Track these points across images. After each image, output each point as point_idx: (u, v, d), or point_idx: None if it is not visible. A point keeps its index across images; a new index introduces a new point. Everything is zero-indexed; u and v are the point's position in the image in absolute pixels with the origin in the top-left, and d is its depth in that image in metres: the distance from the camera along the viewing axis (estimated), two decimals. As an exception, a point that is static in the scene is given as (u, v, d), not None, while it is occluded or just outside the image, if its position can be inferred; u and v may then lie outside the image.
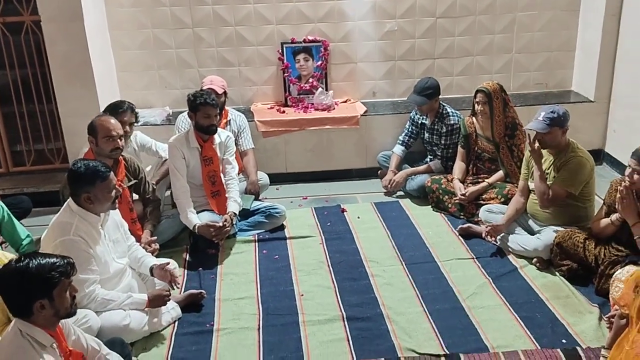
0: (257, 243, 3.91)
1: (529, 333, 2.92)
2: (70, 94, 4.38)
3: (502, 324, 3.00)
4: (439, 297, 3.25)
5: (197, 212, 3.80)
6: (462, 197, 4.09)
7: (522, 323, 3.00)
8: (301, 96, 5.09)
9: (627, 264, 2.92)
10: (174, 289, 3.15)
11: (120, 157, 3.53)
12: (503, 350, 2.80)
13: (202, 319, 3.14)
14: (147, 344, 2.94)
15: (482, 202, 4.06)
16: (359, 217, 4.21)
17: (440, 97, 4.47)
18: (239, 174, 4.11)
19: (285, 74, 5.05)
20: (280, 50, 5.01)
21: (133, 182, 3.65)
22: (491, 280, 3.38)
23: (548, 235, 3.47)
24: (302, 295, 3.31)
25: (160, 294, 2.99)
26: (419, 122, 4.62)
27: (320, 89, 5.02)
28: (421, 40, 5.08)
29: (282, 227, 4.07)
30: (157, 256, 3.33)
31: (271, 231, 4.03)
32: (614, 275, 2.81)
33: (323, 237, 3.95)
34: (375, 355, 2.80)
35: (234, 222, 3.86)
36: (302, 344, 2.90)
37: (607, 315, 2.79)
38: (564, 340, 2.85)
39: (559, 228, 3.47)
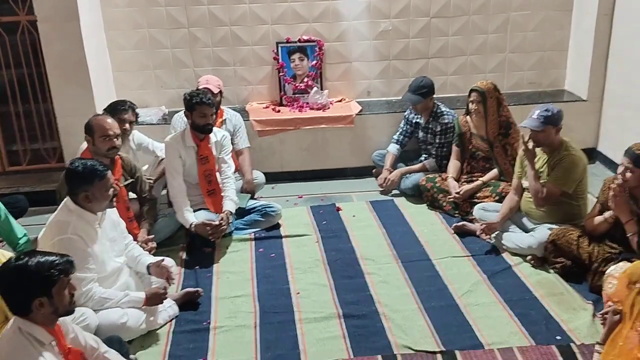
0: (253, 241, 3.92)
1: (523, 330, 2.95)
2: (66, 93, 4.39)
3: (497, 321, 3.03)
4: (434, 294, 3.28)
5: (194, 211, 3.81)
6: (457, 195, 4.12)
7: (516, 320, 3.03)
8: (296, 95, 5.11)
9: (620, 260, 2.96)
10: (170, 285, 3.17)
11: (117, 156, 3.54)
12: (498, 347, 2.82)
13: (199, 317, 3.15)
14: (144, 342, 2.95)
15: (476, 200, 4.09)
16: (354, 216, 4.23)
17: (434, 96, 4.50)
18: (234, 172, 4.13)
19: (281, 74, 5.06)
20: (275, 50, 5.02)
21: (130, 181, 3.66)
22: (486, 278, 3.41)
23: (542, 233, 3.51)
24: (299, 293, 3.33)
25: (157, 292, 3.01)
26: (414, 121, 4.65)
27: (315, 89, 5.04)
28: (415, 39, 5.11)
29: (277, 226, 4.09)
30: (154, 255, 3.33)
31: (267, 230, 4.05)
32: (607, 272, 2.84)
33: (319, 235, 3.97)
34: (371, 352, 2.82)
35: (230, 221, 3.87)
36: (298, 342, 2.92)
37: (600, 312, 2.82)
38: (558, 337, 2.88)
39: (553, 226, 3.50)
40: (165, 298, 3.05)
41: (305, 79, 5.07)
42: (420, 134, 4.61)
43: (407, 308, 3.16)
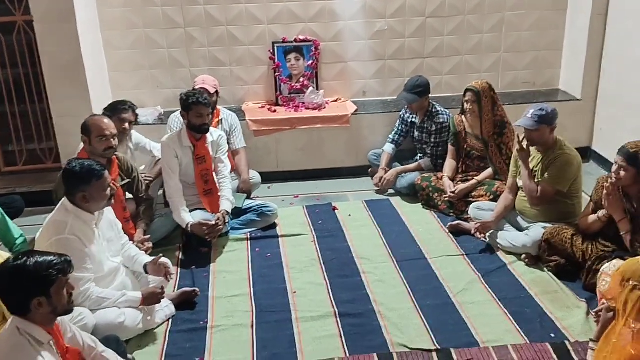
0: (249, 241, 3.93)
1: (518, 328, 2.97)
2: (62, 93, 4.38)
3: (492, 319, 3.05)
4: (429, 293, 3.29)
5: (190, 211, 3.82)
6: (452, 194, 4.14)
7: (511, 318, 3.05)
8: (292, 95, 5.12)
9: (614, 259, 2.98)
10: (168, 281, 3.18)
11: (114, 156, 3.54)
12: (493, 344, 2.84)
13: (195, 316, 3.16)
14: (141, 341, 2.96)
15: (471, 199, 4.11)
16: (350, 215, 4.25)
17: (429, 95, 4.52)
18: (230, 172, 4.13)
19: (277, 74, 5.07)
20: (271, 50, 5.03)
21: (126, 181, 3.67)
22: (481, 277, 3.43)
23: (536, 231, 3.53)
24: (295, 292, 3.34)
25: (154, 292, 3.01)
26: (409, 120, 4.67)
27: (311, 88, 5.05)
28: (411, 39, 5.13)
29: (274, 226, 4.10)
30: (150, 255, 3.34)
31: (263, 229, 4.06)
32: (601, 270, 2.86)
33: (315, 235, 3.98)
34: (367, 350, 2.84)
35: (227, 221, 3.88)
36: (295, 341, 2.93)
37: (594, 310, 2.84)
38: (552, 335, 2.91)
39: (547, 225, 3.53)
40: (163, 298, 3.06)
41: (301, 79, 5.09)
42: (416, 133, 4.63)
43: (403, 307, 3.17)
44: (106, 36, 4.84)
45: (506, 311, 3.11)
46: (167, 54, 4.98)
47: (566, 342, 2.84)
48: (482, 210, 3.91)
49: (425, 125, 4.53)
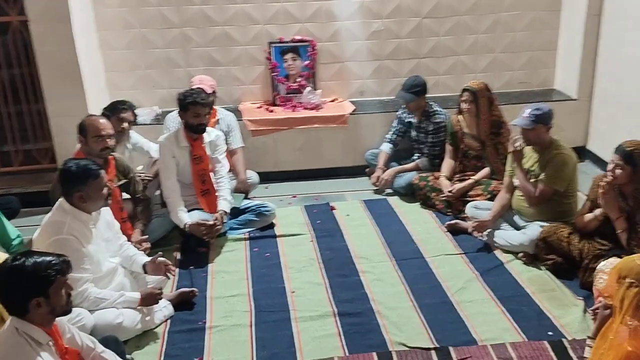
0: (247, 241, 3.93)
1: (516, 326, 2.98)
2: (58, 94, 4.37)
3: (489, 317, 3.07)
4: (428, 292, 3.31)
5: (188, 211, 3.82)
6: (449, 194, 4.15)
7: (509, 316, 3.06)
8: (289, 95, 5.13)
9: (611, 257, 3.00)
10: (169, 278, 3.17)
11: (110, 156, 3.53)
12: (491, 342, 2.85)
13: (194, 316, 3.16)
14: (140, 341, 2.96)
15: (468, 198, 4.12)
16: (348, 215, 4.26)
17: (426, 95, 4.53)
18: (228, 172, 4.13)
19: (274, 74, 5.08)
20: (268, 50, 5.04)
21: (123, 181, 3.66)
22: (478, 275, 3.44)
23: (533, 230, 3.55)
24: (294, 292, 3.34)
25: (152, 292, 3.01)
26: (406, 120, 4.68)
27: (308, 88, 5.06)
28: (407, 40, 5.15)
29: (272, 225, 4.10)
30: (148, 255, 3.33)
31: (261, 229, 4.06)
32: (598, 268, 2.88)
33: (313, 234, 3.99)
34: (366, 349, 2.84)
35: (225, 221, 3.88)
36: (294, 340, 2.94)
37: (591, 308, 2.86)
38: (550, 333, 2.92)
39: (544, 223, 3.54)
40: (161, 298, 3.05)
41: (299, 79, 5.09)
42: (413, 133, 4.64)
43: (401, 305, 3.18)
44: (102, 36, 4.83)
45: (504, 309, 3.12)
46: (163, 54, 4.98)
47: (563, 339, 2.85)
48: (479, 209, 3.92)
49: (423, 125, 4.55)
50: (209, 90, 4.20)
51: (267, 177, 4.81)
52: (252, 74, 5.12)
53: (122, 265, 3.14)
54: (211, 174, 3.92)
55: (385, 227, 4.07)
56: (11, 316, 2.13)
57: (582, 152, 5.15)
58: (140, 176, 3.97)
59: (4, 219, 3.50)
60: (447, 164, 4.37)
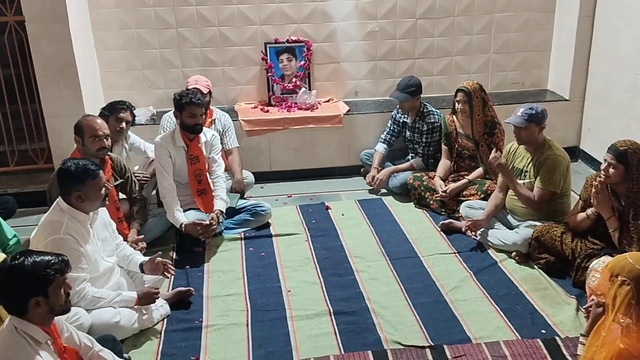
0: (243, 241, 3.95)
1: (509, 324, 3.02)
2: (54, 94, 4.37)
3: (483, 315, 3.10)
4: (422, 290, 3.33)
5: (184, 211, 3.83)
6: (443, 194, 4.18)
7: (502, 314, 3.10)
8: (284, 95, 5.14)
9: (603, 255, 3.03)
10: (167, 277, 3.19)
11: (107, 156, 3.54)
12: (485, 341, 2.88)
13: (190, 315, 3.17)
14: (137, 340, 2.97)
15: (462, 198, 4.16)
16: (343, 215, 4.28)
17: (421, 95, 4.57)
18: (224, 172, 4.14)
19: (269, 74, 5.09)
20: (263, 50, 5.05)
21: (119, 181, 3.67)
22: (472, 274, 3.47)
23: (526, 229, 3.58)
24: (289, 291, 3.37)
25: (149, 292, 3.03)
26: (401, 120, 4.71)
27: (303, 89, 5.08)
28: (402, 40, 5.18)
29: (267, 225, 4.12)
30: (144, 255, 3.34)
31: (257, 229, 4.08)
32: (590, 266, 2.90)
33: (308, 234, 4.01)
34: (362, 348, 2.86)
35: (221, 220, 3.90)
36: (290, 339, 2.96)
37: (584, 306, 2.89)
38: (543, 331, 2.95)
39: (537, 223, 3.58)
40: (158, 297, 3.07)
41: (294, 79, 5.11)
42: (407, 133, 4.67)
43: (396, 304, 3.21)
44: (98, 36, 4.83)
45: (497, 308, 3.15)
46: (159, 54, 4.98)
47: (557, 337, 2.89)
48: (473, 208, 3.96)
49: (417, 125, 4.58)
50: (205, 91, 4.22)
51: (262, 177, 4.83)
52: (247, 74, 5.14)
53: (118, 264, 3.15)
54: (207, 174, 3.93)
55: (379, 226, 4.09)
56: (10, 315, 2.15)
57: (575, 152, 5.20)
58: (137, 177, 3.98)
59: (0, 219, 3.49)
60: (443, 164, 4.40)
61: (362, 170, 4.98)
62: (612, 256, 2.73)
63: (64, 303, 2.20)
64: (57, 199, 2.89)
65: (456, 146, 4.37)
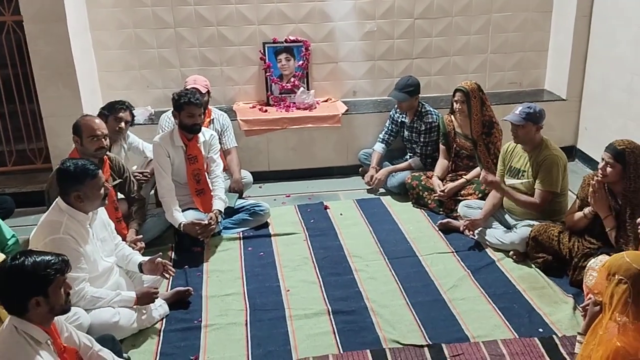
0: (242, 240, 3.95)
1: (507, 323, 3.03)
2: (52, 94, 4.37)
3: (481, 314, 3.11)
4: (420, 290, 3.35)
5: (182, 211, 3.83)
6: (441, 193, 4.20)
7: (500, 313, 3.11)
8: (283, 95, 5.15)
9: (600, 254, 3.05)
10: (166, 278, 3.19)
11: (105, 156, 3.55)
12: (483, 339, 2.90)
13: (189, 315, 3.18)
14: (136, 340, 2.98)
15: (460, 198, 4.17)
16: (341, 214, 4.29)
17: (419, 95, 4.58)
18: (222, 172, 4.15)
19: (267, 74, 5.10)
20: (262, 50, 5.06)
21: (118, 181, 3.67)
22: (470, 273, 3.49)
23: (524, 229, 3.60)
24: (288, 290, 3.37)
25: (148, 292, 3.03)
26: (399, 120, 4.73)
27: (301, 88, 5.09)
28: (400, 40, 5.19)
29: (266, 225, 4.13)
30: (143, 254, 3.35)
31: (255, 228, 4.08)
32: (588, 265, 2.93)
33: (307, 233, 4.02)
34: (360, 347, 2.87)
35: (219, 220, 3.90)
36: (289, 338, 2.97)
37: (581, 305, 2.91)
38: (540, 329, 2.97)
39: (534, 222, 3.60)
40: (157, 297, 3.07)
41: (292, 79, 5.12)
42: (406, 132, 4.69)
43: (394, 303, 3.22)
44: (96, 36, 4.83)
45: (495, 307, 3.17)
46: (157, 54, 4.98)
47: (554, 336, 2.91)
48: (471, 208, 3.97)
49: (415, 125, 4.59)
50: (203, 90, 4.22)
51: (260, 177, 4.84)
52: (245, 74, 5.14)
53: (117, 264, 3.16)
54: (206, 174, 3.94)
55: (378, 226, 4.10)
56: (10, 315, 2.15)
57: (572, 152, 5.22)
58: (138, 175, 3.98)
59: (-1, 219, 3.50)
60: (441, 163, 4.42)
61: (360, 169, 4.99)
62: (609, 255, 2.75)
63: (64, 303, 2.20)
64: (57, 199, 2.89)
65: (454, 146, 4.39)
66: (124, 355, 2.79)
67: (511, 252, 3.64)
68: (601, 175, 3.13)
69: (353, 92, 5.30)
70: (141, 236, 3.62)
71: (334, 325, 3.05)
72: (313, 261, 3.68)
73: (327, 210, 4.36)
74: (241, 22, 4.97)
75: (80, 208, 2.85)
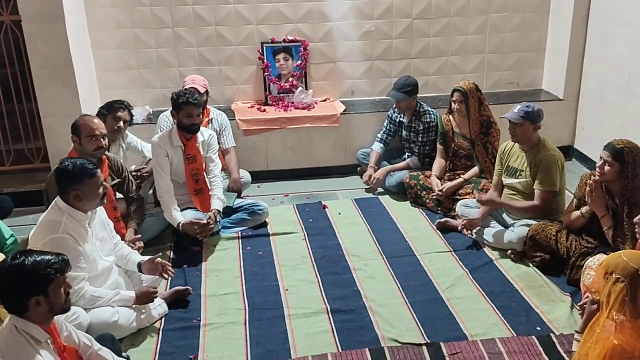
0: (240, 240, 3.96)
1: (505, 321, 3.05)
2: (50, 93, 4.37)
3: (479, 313, 3.13)
4: (419, 288, 3.36)
5: (181, 210, 3.84)
6: (439, 193, 4.21)
7: (498, 312, 3.13)
8: (281, 95, 5.16)
9: (597, 253, 3.07)
10: (166, 279, 3.19)
11: (104, 156, 3.55)
12: (481, 338, 2.91)
13: (188, 314, 3.19)
14: (135, 339, 2.98)
15: (458, 197, 4.19)
16: (340, 213, 4.30)
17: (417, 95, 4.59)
18: (221, 171, 4.15)
19: (266, 73, 5.11)
20: (260, 50, 5.06)
21: (117, 181, 3.68)
22: (468, 272, 3.50)
23: (521, 228, 3.61)
24: (287, 289, 3.38)
25: (147, 291, 3.04)
26: (397, 119, 4.74)
27: (300, 88, 5.09)
28: (398, 40, 5.20)
29: (264, 224, 4.13)
30: (141, 254, 3.35)
31: (254, 228, 4.09)
32: (585, 264, 2.94)
33: (305, 233, 4.03)
34: (359, 345, 2.89)
35: (218, 220, 3.91)
36: (288, 337, 2.98)
37: (579, 304, 2.92)
38: (538, 328, 2.98)
39: (532, 221, 3.61)
40: (156, 297, 3.08)
41: (290, 79, 5.12)
42: (404, 132, 4.70)
43: (393, 302, 3.23)
44: (94, 36, 4.83)
45: (493, 305, 3.18)
46: (155, 53, 4.98)
47: (551, 334, 2.92)
48: (468, 207, 3.98)
49: (413, 125, 4.60)
50: (202, 90, 4.22)
51: (259, 176, 4.84)
52: (244, 73, 5.15)
53: (116, 264, 3.16)
54: (204, 173, 3.94)
55: (376, 225, 4.11)
56: (10, 314, 2.15)
57: (569, 151, 5.24)
58: (139, 172, 3.98)
59: (-3, 219, 3.50)
60: (438, 163, 4.43)
61: (358, 169, 5.00)
62: (607, 254, 2.77)
63: (64, 302, 2.21)
64: (56, 199, 2.89)
65: (452, 145, 4.40)
66: (123, 354, 2.79)
67: (509, 251, 3.65)
68: (599, 174, 3.15)
69: (351, 91, 5.31)
70: (140, 235, 3.62)
71: (333, 324, 3.06)
72: (311, 260, 3.69)
73: (326, 209, 4.37)
74: (239, 22, 4.98)
75: (79, 207, 2.85)
